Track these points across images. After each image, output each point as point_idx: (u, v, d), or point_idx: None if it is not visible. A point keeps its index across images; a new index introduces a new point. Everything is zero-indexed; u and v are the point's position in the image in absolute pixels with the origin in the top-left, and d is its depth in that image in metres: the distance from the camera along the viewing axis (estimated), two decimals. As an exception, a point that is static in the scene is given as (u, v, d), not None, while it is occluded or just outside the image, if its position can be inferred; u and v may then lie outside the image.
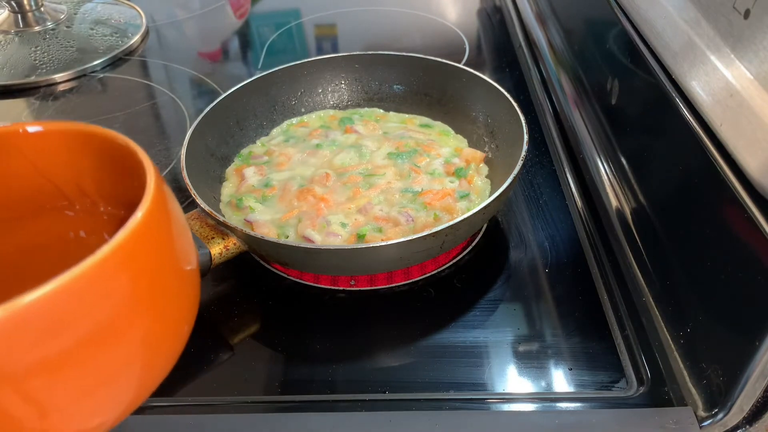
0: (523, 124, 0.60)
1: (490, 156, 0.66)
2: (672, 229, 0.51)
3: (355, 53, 0.74)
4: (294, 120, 0.73)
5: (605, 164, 0.64)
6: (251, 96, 0.70)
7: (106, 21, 1.04)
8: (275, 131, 0.72)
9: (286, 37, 1.03)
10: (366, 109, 0.74)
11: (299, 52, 1.01)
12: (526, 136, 0.58)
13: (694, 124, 0.47)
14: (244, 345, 0.53)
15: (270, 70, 0.71)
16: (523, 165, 0.56)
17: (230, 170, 0.66)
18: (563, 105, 0.77)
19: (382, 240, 0.55)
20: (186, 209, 0.62)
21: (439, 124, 0.72)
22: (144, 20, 1.04)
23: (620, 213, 0.59)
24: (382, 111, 0.74)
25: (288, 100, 0.73)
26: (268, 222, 0.59)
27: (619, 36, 0.63)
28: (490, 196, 0.59)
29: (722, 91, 0.44)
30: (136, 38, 0.99)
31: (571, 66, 0.79)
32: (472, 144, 0.68)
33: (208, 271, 0.53)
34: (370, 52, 0.74)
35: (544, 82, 0.83)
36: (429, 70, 0.72)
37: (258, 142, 0.70)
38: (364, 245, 0.52)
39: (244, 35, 1.05)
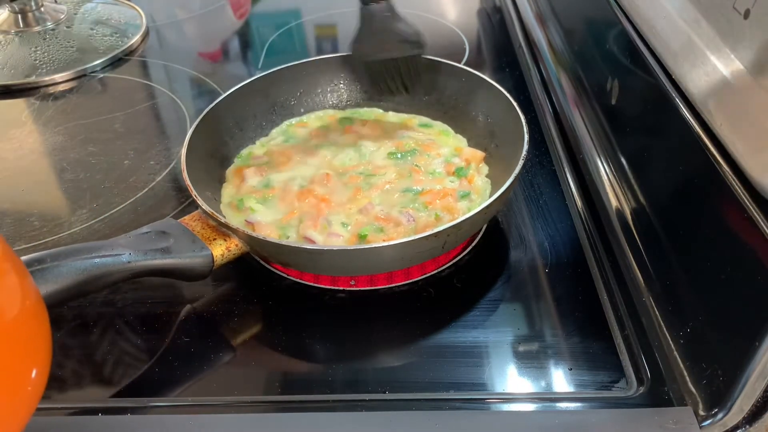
0: (523, 123, 0.60)
1: (490, 155, 0.66)
2: (672, 229, 0.51)
3: (349, 54, 0.74)
4: (293, 120, 0.73)
5: (605, 164, 0.64)
6: (250, 97, 0.70)
7: (106, 21, 1.04)
8: (275, 132, 0.72)
9: (286, 37, 1.03)
10: (365, 109, 0.74)
11: (299, 52, 1.00)
12: (526, 135, 0.58)
13: (694, 124, 0.47)
14: (244, 345, 0.53)
15: (269, 71, 0.71)
16: (525, 164, 0.56)
17: (230, 171, 0.66)
18: (563, 105, 0.77)
19: (384, 240, 0.55)
20: (187, 210, 0.62)
21: (438, 124, 0.72)
22: (144, 20, 1.04)
23: (620, 213, 0.59)
24: (381, 111, 0.74)
25: (287, 101, 0.73)
26: (269, 223, 0.59)
27: (619, 36, 0.63)
28: (490, 195, 0.59)
29: (722, 92, 0.44)
30: (136, 38, 0.99)
31: (571, 66, 0.79)
32: (472, 143, 0.68)
33: (210, 272, 0.53)
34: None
35: (544, 82, 0.83)
36: (427, 69, 0.72)
37: (257, 143, 0.70)
38: (366, 246, 0.52)
39: (244, 35, 1.05)
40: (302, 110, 0.74)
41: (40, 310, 0.37)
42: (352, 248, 0.53)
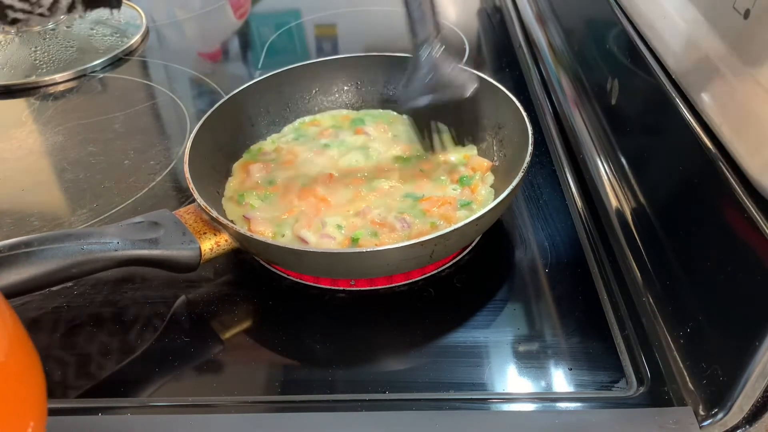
0: (530, 134, 0.58)
1: (497, 165, 0.65)
2: (672, 229, 0.51)
3: (371, 54, 0.73)
4: (306, 118, 0.73)
5: (605, 164, 0.64)
6: (264, 93, 0.70)
7: (106, 21, 1.04)
8: (287, 129, 0.72)
9: (286, 37, 1.03)
10: (380, 110, 0.74)
11: (299, 52, 1.00)
12: (530, 147, 0.57)
13: (694, 124, 0.47)
14: (244, 345, 0.53)
15: (284, 68, 0.71)
16: (523, 178, 0.55)
17: (237, 165, 0.66)
18: (563, 105, 0.77)
19: (377, 245, 0.55)
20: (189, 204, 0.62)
21: (451, 130, 0.71)
22: (144, 20, 1.04)
23: (620, 213, 0.59)
24: (395, 113, 0.73)
25: (301, 98, 0.73)
26: (266, 220, 0.59)
27: (619, 36, 0.63)
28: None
29: (722, 91, 0.44)
30: (136, 38, 0.99)
31: (571, 66, 0.79)
32: (482, 152, 0.67)
33: (198, 265, 0.53)
34: (386, 54, 0.73)
35: (544, 82, 0.83)
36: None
37: (269, 139, 0.70)
38: (350, 250, 0.52)
39: (244, 35, 1.05)
40: (316, 108, 0.74)
41: (33, 361, 0.36)
42: (335, 251, 0.53)
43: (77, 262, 0.48)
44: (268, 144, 0.69)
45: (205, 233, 0.54)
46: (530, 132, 0.59)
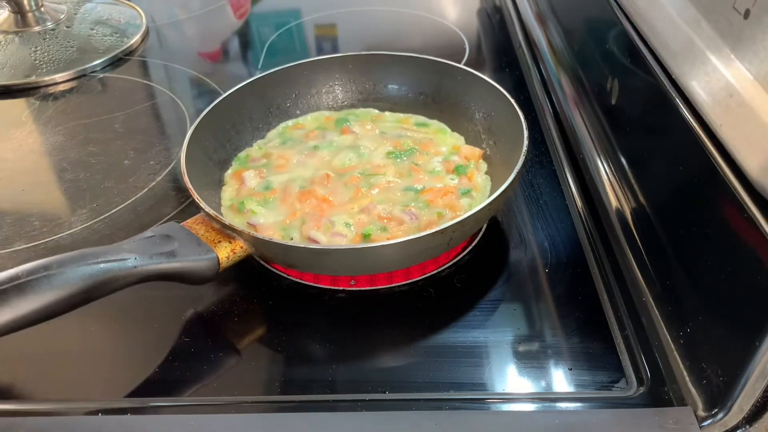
0: (521, 119, 0.60)
1: (488, 152, 0.66)
2: (672, 229, 0.51)
3: (348, 54, 0.74)
4: (289, 122, 0.73)
5: (605, 164, 0.64)
6: (246, 99, 0.69)
7: (106, 21, 1.04)
8: (271, 134, 0.72)
9: (286, 37, 1.03)
10: (361, 109, 0.74)
11: (299, 52, 1.01)
12: (526, 132, 0.58)
13: (694, 124, 0.47)
14: (244, 345, 0.53)
15: (264, 73, 0.71)
16: (526, 160, 0.56)
17: (228, 174, 0.66)
18: (563, 105, 0.77)
19: (388, 239, 0.55)
20: (187, 210, 0.63)
21: (435, 123, 0.72)
22: (144, 20, 1.04)
23: (620, 213, 0.59)
24: (377, 111, 0.74)
25: (283, 103, 0.73)
26: (272, 224, 0.59)
27: (619, 36, 0.63)
28: (491, 192, 0.59)
29: (722, 91, 0.44)
30: (136, 38, 0.99)
31: (571, 66, 0.79)
32: (470, 141, 0.68)
33: (216, 275, 0.53)
34: (363, 53, 0.74)
35: (544, 82, 0.83)
36: (422, 68, 0.72)
37: (255, 145, 0.70)
38: (373, 244, 0.52)
39: (244, 35, 1.05)
40: (298, 112, 0.74)
41: None
42: (358, 247, 0.53)
43: (98, 282, 0.47)
44: (255, 150, 0.69)
45: (219, 242, 0.53)
46: (520, 114, 0.60)
